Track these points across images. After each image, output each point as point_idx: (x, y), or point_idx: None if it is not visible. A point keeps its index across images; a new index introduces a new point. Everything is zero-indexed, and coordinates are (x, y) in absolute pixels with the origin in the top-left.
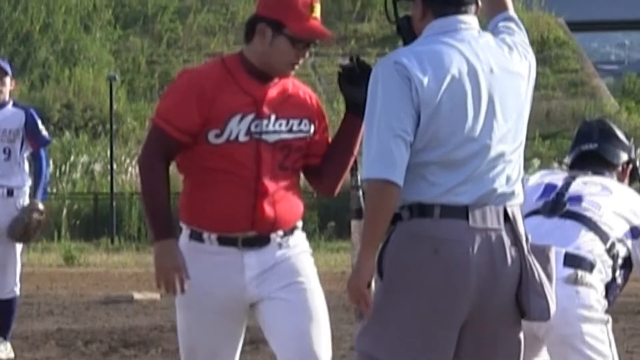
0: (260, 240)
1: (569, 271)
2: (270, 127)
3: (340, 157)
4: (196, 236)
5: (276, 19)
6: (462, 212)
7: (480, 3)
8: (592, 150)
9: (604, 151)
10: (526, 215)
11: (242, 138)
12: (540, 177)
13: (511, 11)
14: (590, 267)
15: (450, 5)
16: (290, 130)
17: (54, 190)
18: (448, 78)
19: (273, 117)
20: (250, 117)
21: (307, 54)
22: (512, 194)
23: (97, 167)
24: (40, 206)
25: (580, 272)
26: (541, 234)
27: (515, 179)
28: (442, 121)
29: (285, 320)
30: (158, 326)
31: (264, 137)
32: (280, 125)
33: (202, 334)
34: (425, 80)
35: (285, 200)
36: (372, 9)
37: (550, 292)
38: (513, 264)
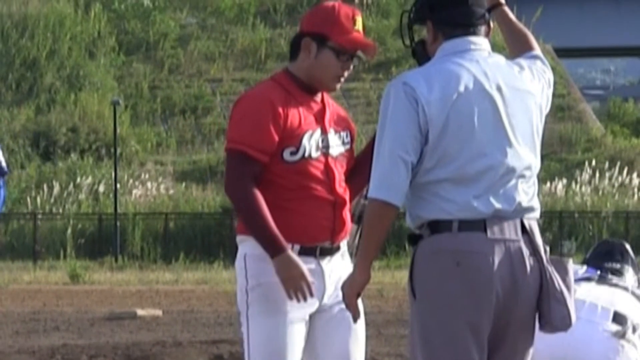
0: (333, 249)
1: (617, 327)
2: (334, 142)
3: (360, 174)
4: None
5: (320, 32)
6: (479, 225)
7: (491, 25)
8: (616, 269)
9: (626, 271)
10: (576, 280)
11: (314, 154)
12: (577, 266)
13: (537, 51)
14: (633, 328)
15: (459, 27)
16: (343, 143)
17: (60, 210)
18: (454, 96)
19: (332, 131)
20: (317, 132)
21: (351, 67)
22: (529, 208)
23: (102, 188)
24: None
25: (627, 330)
26: (593, 295)
27: (531, 194)
28: (450, 138)
29: (336, 337)
30: (160, 341)
31: (330, 151)
32: (338, 138)
33: (290, 338)
34: (432, 99)
35: (347, 210)
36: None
37: (571, 300)
38: (533, 273)
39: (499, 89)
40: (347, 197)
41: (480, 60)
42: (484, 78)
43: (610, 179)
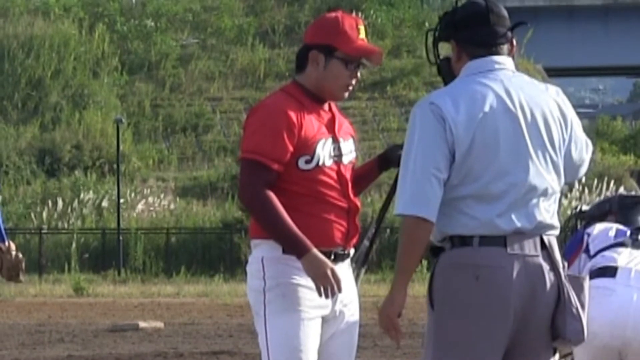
0: (345, 255)
1: None
2: (344, 150)
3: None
4: None
5: (327, 43)
6: (500, 240)
7: (514, 43)
8: None
9: None
10: (610, 246)
11: (328, 162)
12: (605, 225)
13: None
14: None
15: (482, 47)
16: (351, 151)
17: (65, 225)
18: (480, 115)
19: (342, 140)
20: (329, 141)
21: (358, 75)
22: (550, 226)
23: (105, 203)
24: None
25: None
26: (634, 262)
27: (552, 212)
28: (476, 157)
29: (333, 349)
30: (162, 352)
31: (342, 159)
32: (347, 146)
33: (308, 334)
34: (459, 119)
35: (359, 217)
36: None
37: (584, 316)
38: (551, 288)
39: (522, 108)
40: (358, 204)
41: (504, 79)
42: (508, 98)
43: (599, 194)
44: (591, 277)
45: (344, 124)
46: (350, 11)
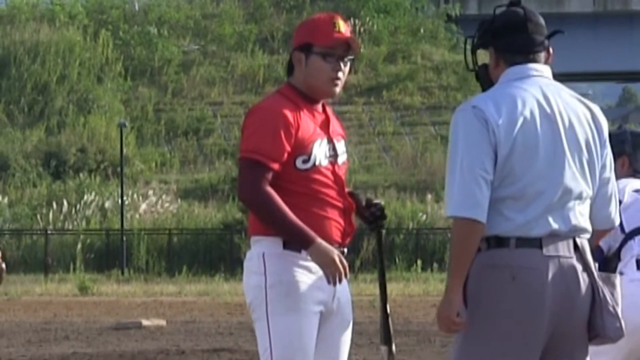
0: (340, 253)
1: None
2: (339, 150)
3: None
4: (292, 247)
5: (305, 42)
6: (536, 242)
7: (550, 51)
8: None
9: None
10: None
11: (324, 162)
12: (634, 188)
13: None
14: None
15: (520, 54)
16: (343, 152)
17: (70, 226)
18: (521, 119)
19: (336, 140)
20: (324, 141)
21: (345, 68)
22: (583, 229)
23: (109, 205)
24: None
25: None
26: None
27: (586, 215)
28: (517, 159)
29: (331, 345)
30: (164, 350)
31: (337, 159)
32: (341, 147)
33: (310, 332)
34: (501, 122)
35: (353, 215)
36: (358, 62)
37: (620, 313)
38: (586, 288)
39: (560, 113)
40: (353, 203)
41: (542, 85)
42: (546, 102)
43: None
44: (638, 267)
45: (336, 126)
46: (347, 18)
